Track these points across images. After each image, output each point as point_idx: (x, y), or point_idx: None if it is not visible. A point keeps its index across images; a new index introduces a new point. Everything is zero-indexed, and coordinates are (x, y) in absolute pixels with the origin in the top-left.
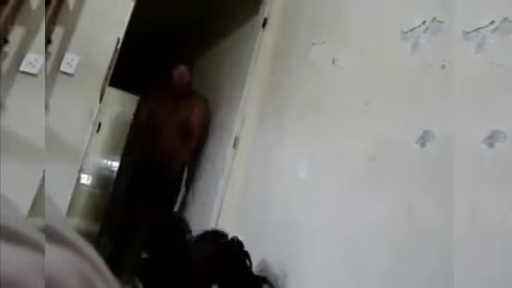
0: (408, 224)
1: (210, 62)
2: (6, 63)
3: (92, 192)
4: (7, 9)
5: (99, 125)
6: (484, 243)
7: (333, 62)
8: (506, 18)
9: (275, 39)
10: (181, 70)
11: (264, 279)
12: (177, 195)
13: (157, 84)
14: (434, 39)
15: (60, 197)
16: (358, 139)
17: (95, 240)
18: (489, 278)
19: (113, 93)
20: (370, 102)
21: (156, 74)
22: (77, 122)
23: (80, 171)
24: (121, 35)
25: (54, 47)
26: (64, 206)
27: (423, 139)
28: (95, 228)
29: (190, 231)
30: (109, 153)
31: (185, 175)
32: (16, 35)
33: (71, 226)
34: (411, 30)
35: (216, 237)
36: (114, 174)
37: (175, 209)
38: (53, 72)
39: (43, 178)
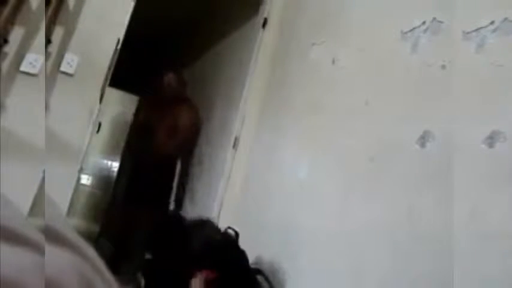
0: (408, 224)
1: (210, 62)
2: (6, 63)
3: (92, 192)
4: (7, 9)
5: (99, 125)
6: (484, 243)
7: (333, 62)
8: (506, 19)
9: (275, 39)
10: (169, 77)
11: (258, 271)
12: (170, 192)
13: (151, 89)
14: (434, 39)
15: (60, 197)
16: (358, 139)
17: (95, 241)
18: (489, 278)
19: (113, 94)
20: (370, 102)
21: (156, 74)
22: (77, 122)
23: (80, 171)
24: (121, 35)
25: (54, 47)
26: (64, 206)
27: (423, 139)
28: (95, 228)
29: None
30: (109, 154)
31: (177, 171)
32: (16, 35)
33: (71, 226)
34: (411, 30)
35: (211, 224)
36: (114, 175)
37: (171, 206)
38: (53, 72)
39: (43, 178)
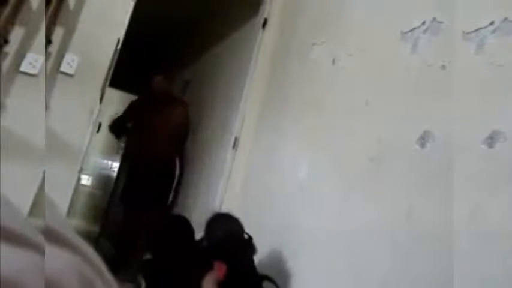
0: (408, 224)
1: (210, 62)
2: (6, 64)
3: (92, 192)
4: (7, 10)
5: (99, 125)
6: (484, 243)
7: (333, 62)
8: (506, 19)
9: (275, 40)
10: (158, 80)
11: (266, 277)
12: (169, 189)
13: (143, 91)
14: (434, 40)
15: (60, 198)
16: (358, 139)
17: (95, 241)
18: (489, 278)
19: (113, 94)
20: (370, 103)
21: (153, 75)
22: (77, 123)
23: (80, 171)
24: (121, 36)
25: (54, 47)
26: (64, 207)
27: (423, 139)
28: (95, 228)
29: (194, 234)
30: (109, 154)
31: (177, 171)
32: (16, 35)
33: (71, 227)
34: (411, 30)
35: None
36: (115, 175)
37: (169, 202)
38: (53, 72)
39: (43, 178)
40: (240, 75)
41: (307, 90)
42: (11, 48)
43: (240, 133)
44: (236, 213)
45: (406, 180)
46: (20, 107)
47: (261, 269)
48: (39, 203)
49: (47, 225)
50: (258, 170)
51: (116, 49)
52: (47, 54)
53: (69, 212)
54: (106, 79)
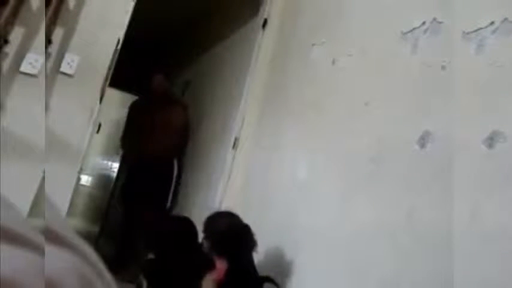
0: (408, 225)
1: (210, 62)
2: (6, 64)
3: (92, 193)
4: (7, 10)
5: (99, 125)
6: (484, 243)
7: (333, 62)
8: (506, 19)
9: (275, 40)
10: (158, 79)
11: (267, 278)
12: (168, 190)
13: (143, 91)
14: (434, 40)
15: (60, 198)
16: (358, 140)
17: (95, 241)
18: (489, 278)
19: (113, 94)
20: (370, 103)
21: (150, 75)
22: (77, 123)
23: (80, 171)
24: (121, 36)
25: (54, 48)
26: (64, 207)
27: (423, 140)
28: (95, 229)
29: (197, 235)
30: (109, 154)
31: (175, 171)
32: (16, 35)
33: (70, 227)
34: (411, 30)
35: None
36: (115, 175)
37: (168, 203)
38: (53, 72)
39: (43, 178)
40: (240, 76)
41: (307, 90)
42: (11, 49)
43: (240, 133)
44: (236, 212)
45: (406, 181)
46: (20, 107)
47: (261, 269)
48: (39, 203)
49: (47, 225)
50: (258, 170)
51: (115, 49)
52: (47, 55)
53: (69, 212)
54: (106, 79)
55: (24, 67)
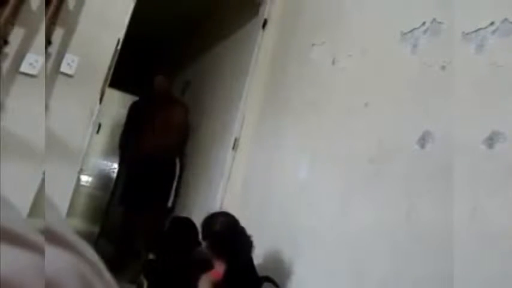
0: (408, 225)
1: (210, 62)
2: (6, 64)
3: (92, 193)
4: (7, 10)
5: (99, 125)
6: (484, 243)
7: (333, 62)
8: (505, 19)
9: (275, 40)
10: (160, 79)
11: (267, 278)
12: (169, 190)
13: (144, 90)
14: (434, 40)
15: (60, 198)
16: (358, 140)
17: (95, 242)
18: (489, 278)
19: (113, 94)
20: (370, 103)
21: (151, 75)
22: (77, 123)
23: (80, 172)
24: (121, 36)
25: (54, 48)
26: (64, 207)
27: (423, 140)
28: (95, 229)
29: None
30: (109, 154)
31: (177, 171)
32: (16, 35)
33: (70, 227)
34: (411, 31)
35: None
36: (115, 175)
37: (169, 203)
38: (53, 73)
39: (43, 178)
40: (240, 76)
41: (307, 90)
42: (11, 49)
43: (240, 133)
44: (236, 213)
45: (406, 181)
46: (20, 108)
47: (261, 269)
48: (39, 203)
49: (47, 225)
50: (258, 170)
51: (116, 49)
52: (47, 55)
53: (69, 212)
54: (106, 79)
55: (24, 67)
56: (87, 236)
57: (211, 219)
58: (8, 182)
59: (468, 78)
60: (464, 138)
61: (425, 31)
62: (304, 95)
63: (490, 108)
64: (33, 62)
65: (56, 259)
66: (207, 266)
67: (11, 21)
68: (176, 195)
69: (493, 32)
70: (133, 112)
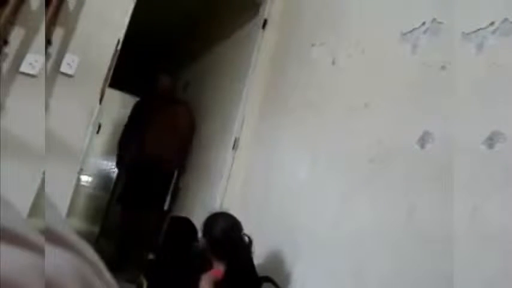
0: (408, 225)
1: (210, 63)
2: (6, 64)
3: (92, 193)
4: (7, 10)
5: (99, 126)
6: (484, 243)
7: (333, 63)
8: (505, 19)
9: (275, 40)
10: (165, 79)
11: (266, 278)
12: (166, 192)
13: (150, 89)
14: (434, 40)
15: (60, 198)
16: (358, 140)
17: (95, 242)
18: (489, 278)
19: (113, 94)
20: (370, 103)
21: (154, 75)
22: (77, 123)
23: (80, 172)
24: (121, 36)
25: (54, 48)
26: (64, 207)
27: (423, 140)
28: (95, 229)
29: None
30: (109, 155)
31: (175, 174)
32: (16, 35)
33: (70, 227)
34: (411, 31)
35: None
36: (114, 175)
37: (166, 206)
38: (53, 73)
39: (43, 178)
40: (240, 76)
41: (307, 90)
42: (11, 49)
43: (240, 133)
44: (236, 213)
45: (406, 181)
46: (20, 108)
47: (261, 269)
48: (39, 203)
49: (47, 225)
50: (258, 170)
51: (116, 50)
52: (47, 55)
53: (69, 213)
54: (106, 80)
55: (24, 67)
56: (87, 236)
57: (213, 220)
58: (8, 182)
59: (468, 78)
60: (464, 138)
61: (425, 31)
62: (304, 95)
63: (490, 108)
64: (33, 62)
65: (56, 259)
66: (207, 265)
67: (11, 21)
68: (173, 197)
69: (493, 32)
70: (136, 112)
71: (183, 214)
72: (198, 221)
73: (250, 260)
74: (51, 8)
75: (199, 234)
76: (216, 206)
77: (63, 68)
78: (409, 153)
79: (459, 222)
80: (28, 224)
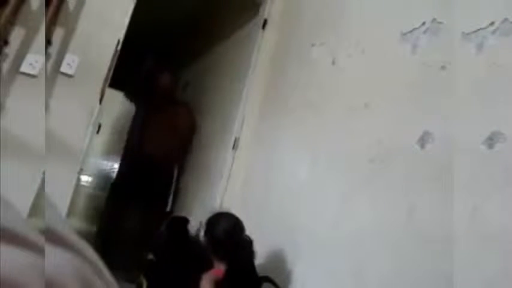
0: (408, 225)
1: (210, 63)
2: (6, 64)
3: (92, 193)
4: (7, 10)
5: (99, 126)
6: (484, 243)
7: (333, 63)
8: (505, 19)
9: (275, 40)
10: (166, 78)
11: (266, 278)
12: (168, 193)
13: (147, 88)
14: (434, 40)
15: (60, 198)
16: (358, 140)
17: (95, 241)
18: (489, 278)
19: (113, 94)
20: (370, 103)
21: (153, 75)
22: (77, 123)
23: (80, 172)
24: (121, 36)
25: (54, 48)
26: (64, 207)
27: (423, 140)
28: (95, 229)
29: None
30: (109, 155)
31: (175, 174)
32: (16, 36)
33: (70, 227)
34: (411, 31)
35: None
36: (115, 175)
37: (168, 207)
38: (53, 73)
39: (43, 178)
40: (240, 76)
41: (307, 91)
42: (11, 49)
43: (240, 133)
44: (236, 213)
45: (406, 181)
46: (20, 108)
47: (261, 270)
48: (39, 203)
49: (47, 225)
50: (258, 170)
51: (116, 50)
52: (47, 55)
53: (69, 213)
54: (106, 80)
55: (25, 67)
56: (87, 236)
57: (215, 220)
58: (8, 182)
59: (468, 78)
60: (464, 138)
61: (425, 31)
62: (304, 95)
63: (490, 108)
64: (33, 62)
65: (56, 259)
66: (207, 265)
67: (11, 21)
68: (174, 198)
69: (493, 32)
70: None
71: (183, 214)
72: (199, 220)
73: (251, 260)
74: (51, 8)
75: (201, 234)
76: (216, 206)
77: (63, 68)
78: (409, 153)
79: (459, 222)
80: (28, 224)
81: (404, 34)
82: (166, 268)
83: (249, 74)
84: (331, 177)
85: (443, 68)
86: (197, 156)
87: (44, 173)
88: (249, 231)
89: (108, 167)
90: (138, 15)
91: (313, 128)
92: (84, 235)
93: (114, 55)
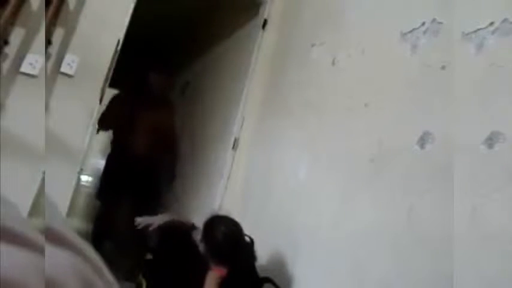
0: (408, 225)
1: (210, 63)
2: (6, 64)
3: (92, 193)
4: (7, 10)
5: None
6: (484, 243)
7: (333, 63)
8: (505, 19)
9: (275, 41)
10: (160, 80)
11: (267, 279)
12: (159, 194)
13: (136, 85)
14: (434, 40)
15: (60, 198)
16: (358, 140)
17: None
18: (489, 278)
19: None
20: (370, 103)
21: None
22: (77, 123)
23: (80, 172)
24: (121, 36)
25: (54, 48)
26: (64, 207)
27: (423, 140)
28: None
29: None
30: None
31: (163, 174)
32: (16, 36)
33: (71, 227)
34: (411, 31)
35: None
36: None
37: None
38: (53, 73)
39: (43, 178)
40: (240, 76)
41: (307, 91)
42: (11, 49)
43: (239, 134)
44: (236, 213)
45: (406, 181)
46: (20, 108)
47: (261, 270)
48: (39, 203)
49: (47, 225)
50: (258, 170)
51: (116, 50)
52: (47, 55)
53: (69, 212)
54: (106, 80)
55: (25, 67)
56: (87, 236)
57: (212, 225)
58: (8, 182)
59: (468, 78)
60: (464, 138)
61: (425, 31)
62: (304, 95)
63: (490, 108)
64: (34, 62)
65: (56, 259)
66: (206, 265)
67: (12, 21)
68: (168, 196)
69: (493, 32)
70: (119, 104)
71: (183, 214)
72: (198, 220)
73: (252, 263)
74: (52, 8)
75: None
76: (216, 206)
77: (63, 68)
78: (409, 153)
79: (459, 222)
80: (28, 224)
81: (404, 34)
82: (165, 268)
83: (249, 74)
84: (331, 177)
85: (443, 68)
86: (197, 157)
87: (44, 173)
88: (248, 231)
89: None
90: (138, 15)
91: (313, 128)
92: (84, 235)
93: (114, 55)
